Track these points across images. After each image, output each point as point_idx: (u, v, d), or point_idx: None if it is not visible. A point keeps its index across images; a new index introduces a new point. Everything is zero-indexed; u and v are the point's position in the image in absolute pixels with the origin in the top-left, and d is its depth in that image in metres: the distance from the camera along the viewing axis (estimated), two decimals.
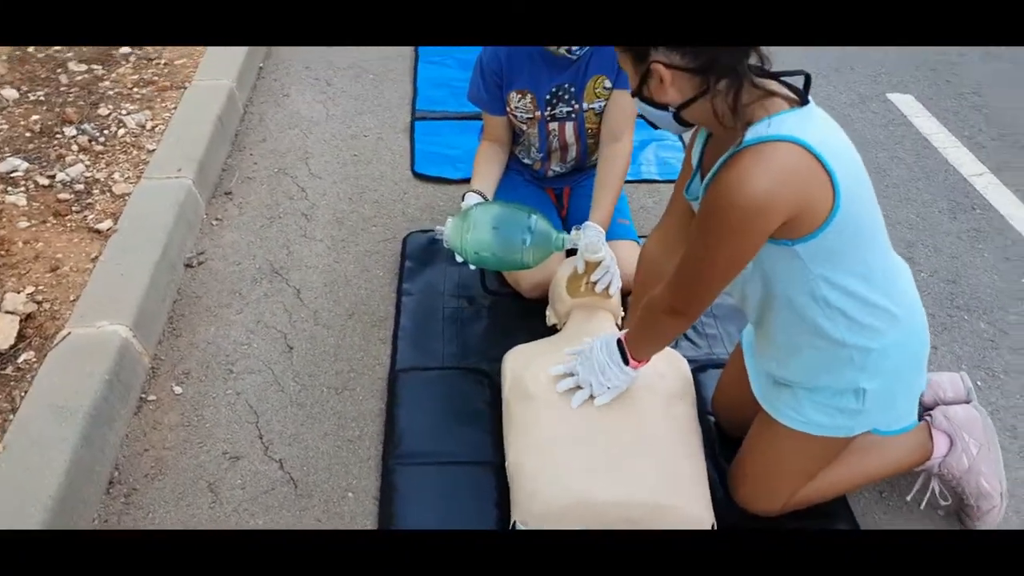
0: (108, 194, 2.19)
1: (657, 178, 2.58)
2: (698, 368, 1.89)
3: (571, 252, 1.91)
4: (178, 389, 1.85)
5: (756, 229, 1.14)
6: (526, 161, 2.10)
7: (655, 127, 1.29)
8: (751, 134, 1.12)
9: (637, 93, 1.22)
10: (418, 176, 2.55)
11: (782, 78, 1.19)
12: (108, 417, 1.67)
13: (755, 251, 1.18)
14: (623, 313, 1.89)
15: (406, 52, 3.23)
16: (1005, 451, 1.75)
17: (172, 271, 2.08)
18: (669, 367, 1.69)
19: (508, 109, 1.95)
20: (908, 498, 1.64)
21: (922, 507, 1.63)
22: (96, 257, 1.99)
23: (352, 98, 2.93)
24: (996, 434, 1.57)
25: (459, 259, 1.85)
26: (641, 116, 1.29)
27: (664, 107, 1.20)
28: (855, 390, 1.34)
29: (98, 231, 2.06)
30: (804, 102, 1.15)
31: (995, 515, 1.54)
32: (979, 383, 1.93)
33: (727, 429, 1.76)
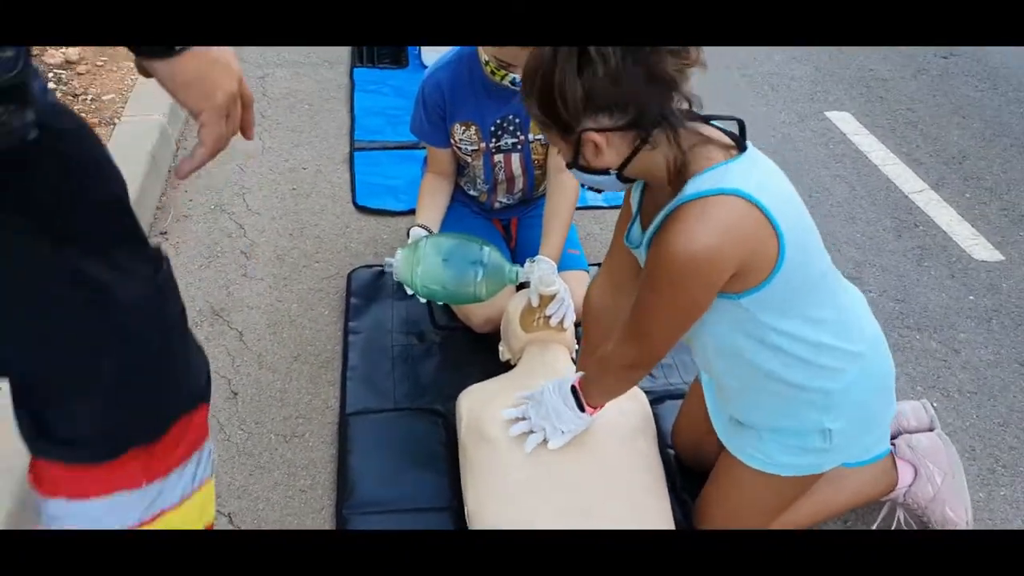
0: None
1: (602, 204, 2.56)
2: (656, 400, 1.86)
3: (521, 285, 1.87)
4: None
5: (703, 284, 1.12)
6: (472, 193, 2.06)
7: (599, 191, 1.26)
8: (693, 187, 1.10)
9: (573, 165, 1.18)
10: (360, 209, 2.48)
11: (714, 122, 1.18)
12: None
13: (705, 305, 1.16)
14: (577, 346, 1.85)
15: (342, 81, 3.16)
16: (965, 474, 1.76)
17: None
18: (629, 402, 1.65)
19: (452, 141, 1.90)
20: (873, 527, 1.63)
21: None
22: None
23: (288, 130, 2.85)
24: (960, 462, 1.56)
25: (408, 292, 1.79)
26: (583, 185, 1.26)
27: (604, 171, 1.17)
28: (821, 430, 1.31)
29: None
30: (742, 148, 1.14)
31: None
32: (935, 404, 1.94)
33: (688, 463, 1.72)
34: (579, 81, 1.05)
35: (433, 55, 3.17)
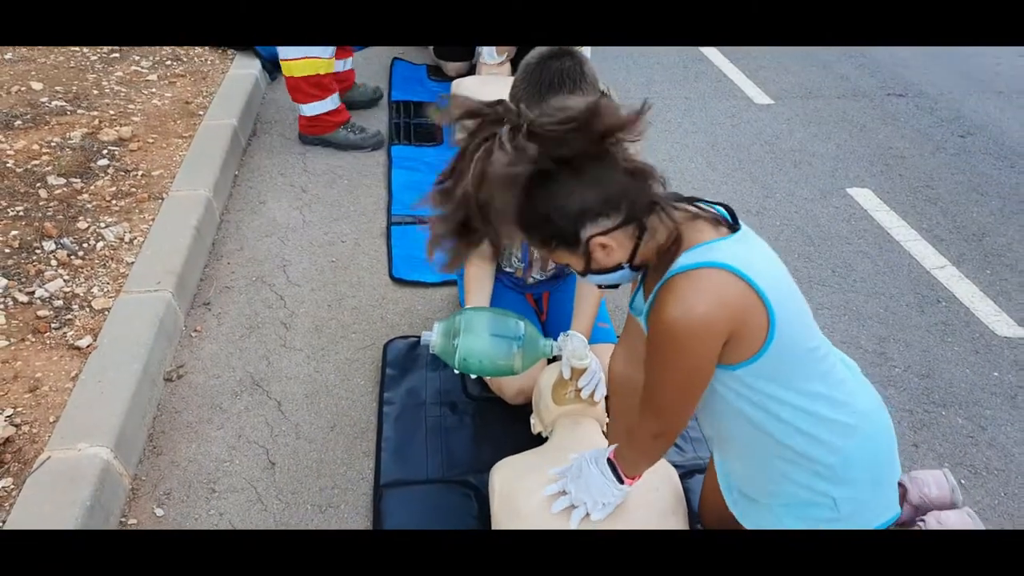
0: (87, 309, 2.17)
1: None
2: (685, 474, 1.90)
3: (552, 358, 1.94)
4: (159, 511, 1.80)
5: (699, 348, 1.18)
6: (508, 269, 2.14)
7: (617, 287, 1.35)
8: (684, 260, 1.18)
9: (587, 272, 1.26)
10: (396, 281, 2.57)
11: (703, 206, 1.26)
12: None
13: (709, 370, 1.23)
14: (608, 419, 1.90)
15: (379, 157, 3.30)
16: None
17: (152, 386, 2.05)
18: (661, 481, 1.69)
19: None
20: None
21: None
22: (76, 375, 1.96)
23: (328, 204, 2.97)
24: None
25: (444, 365, 1.86)
26: (601, 286, 1.34)
27: (617, 268, 1.25)
28: (828, 500, 1.35)
29: (77, 348, 2.03)
30: (735, 228, 1.21)
31: None
32: (962, 481, 1.96)
33: None
34: (574, 196, 1.13)
35: None
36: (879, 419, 1.39)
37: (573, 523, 1.52)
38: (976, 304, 2.61)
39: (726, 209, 1.26)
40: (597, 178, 1.13)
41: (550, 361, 1.97)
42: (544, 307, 2.24)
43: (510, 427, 2.02)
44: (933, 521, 1.59)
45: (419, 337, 2.30)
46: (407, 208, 2.92)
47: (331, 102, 3.17)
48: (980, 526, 1.58)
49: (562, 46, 1.71)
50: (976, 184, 3.36)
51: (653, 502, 1.61)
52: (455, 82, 3.61)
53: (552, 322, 2.17)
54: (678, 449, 2.01)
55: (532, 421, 1.94)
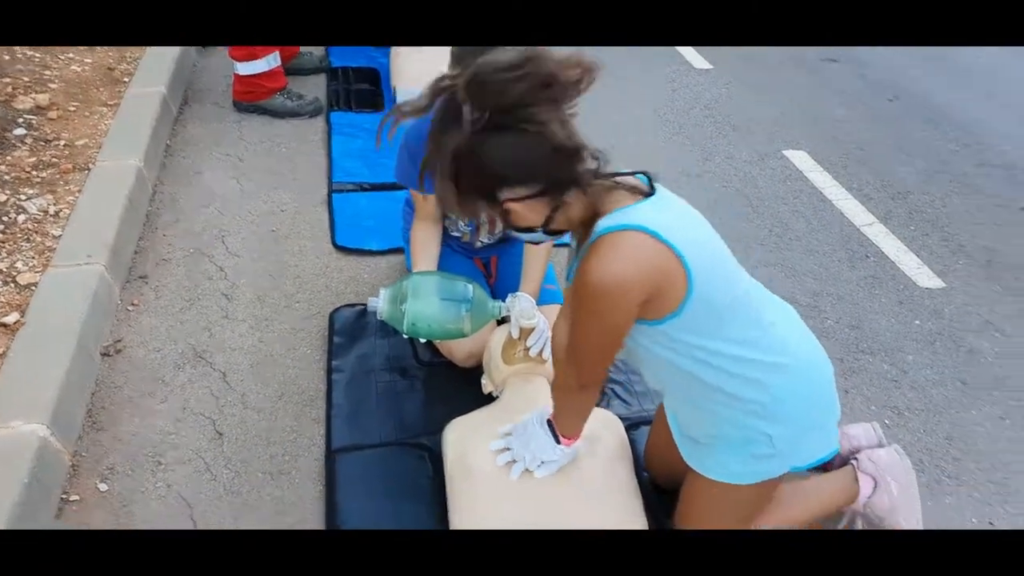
0: (12, 285, 2.09)
1: (569, 241, 2.66)
2: (631, 426, 1.94)
3: (500, 321, 1.95)
4: (103, 486, 1.76)
5: (617, 307, 1.24)
6: (455, 233, 2.13)
7: (537, 243, 1.41)
8: (602, 224, 1.24)
9: (506, 227, 1.31)
10: (339, 249, 2.54)
11: (625, 175, 1.31)
12: (29, 522, 1.57)
13: (624, 328, 1.29)
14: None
15: (318, 124, 3.24)
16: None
17: (89, 362, 1.99)
18: (606, 430, 1.74)
19: None
20: None
21: None
22: (3, 353, 1.88)
23: (266, 173, 2.90)
24: (914, 476, 1.67)
25: (393, 330, 1.86)
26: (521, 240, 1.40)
27: (532, 229, 1.30)
28: (763, 436, 1.41)
29: (3, 325, 1.96)
30: (651, 192, 1.27)
31: None
32: (887, 422, 2.06)
33: (661, 484, 1.80)
34: (494, 163, 1.17)
35: (405, 97, 3.27)
36: (812, 359, 1.46)
37: (513, 476, 1.57)
38: (901, 258, 2.73)
39: (645, 175, 1.31)
40: (526, 147, 1.17)
41: (500, 323, 1.98)
42: (493, 271, 2.25)
43: (462, 389, 2.03)
44: (865, 459, 1.67)
45: (366, 305, 2.29)
46: (348, 175, 2.88)
47: (266, 63, 3.09)
48: (907, 461, 1.67)
49: None
50: (903, 145, 3.49)
51: (599, 452, 1.66)
52: (394, 49, 3.55)
53: (501, 285, 2.18)
54: (624, 403, 2.05)
55: (483, 382, 1.95)
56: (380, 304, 1.82)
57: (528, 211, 1.25)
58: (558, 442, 1.55)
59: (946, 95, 3.99)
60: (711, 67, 4.09)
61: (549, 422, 1.56)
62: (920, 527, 1.63)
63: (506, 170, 1.19)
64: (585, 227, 1.30)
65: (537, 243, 1.41)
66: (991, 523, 1.82)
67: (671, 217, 1.26)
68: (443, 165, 1.21)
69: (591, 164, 1.25)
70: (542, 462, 1.56)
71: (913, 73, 4.22)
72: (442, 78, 1.22)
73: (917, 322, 2.44)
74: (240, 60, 3.06)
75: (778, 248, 2.73)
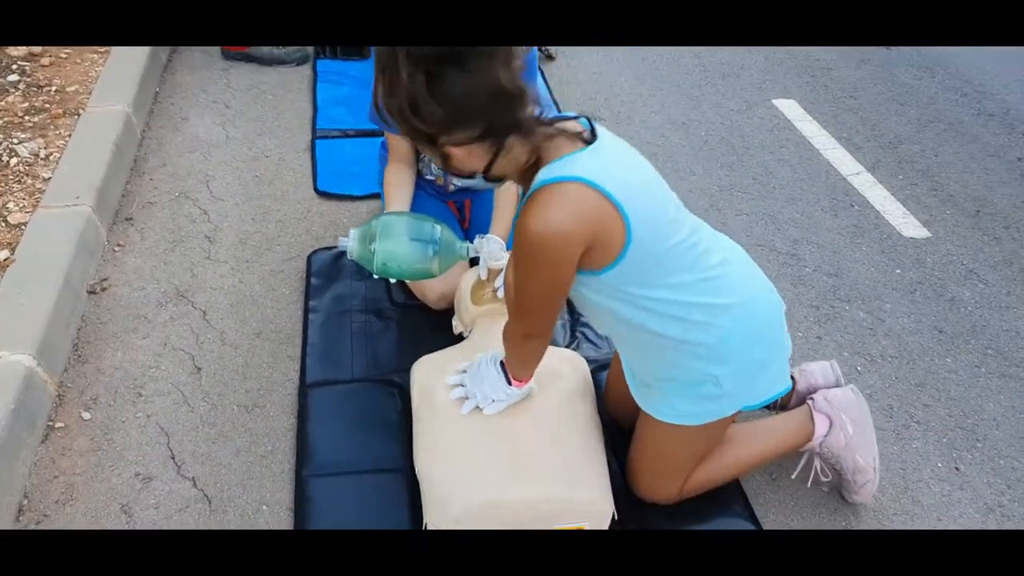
0: (2, 224, 2.14)
1: None
2: (598, 368, 1.98)
3: (474, 263, 1.98)
4: (86, 415, 1.83)
5: (557, 261, 1.25)
6: (428, 177, 2.16)
7: (479, 189, 1.38)
8: (541, 176, 1.24)
9: (446, 171, 1.31)
10: (321, 194, 2.58)
11: (568, 120, 1.30)
12: (14, 446, 1.65)
13: (566, 278, 1.30)
14: None
15: (304, 72, 3.25)
16: (883, 429, 1.91)
17: (75, 299, 2.05)
18: (569, 367, 1.77)
19: None
20: (793, 476, 1.76)
21: (808, 484, 1.76)
22: None
23: (252, 120, 2.93)
24: (869, 414, 1.70)
25: (370, 273, 1.89)
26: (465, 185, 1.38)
27: (473, 174, 1.29)
28: (710, 378, 1.44)
29: None
30: (592, 139, 1.26)
31: (869, 488, 1.67)
32: (859, 368, 2.08)
33: (620, 424, 1.84)
34: (432, 104, 1.15)
35: None
36: (758, 297, 1.47)
37: (464, 410, 1.61)
38: (886, 207, 2.72)
39: (587, 119, 1.30)
40: (466, 90, 1.15)
41: (472, 265, 2.01)
42: (466, 214, 2.27)
43: (434, 331, 2.08)
44: (821, 399, 1.70)
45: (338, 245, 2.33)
46: (332, 122, 2.90)
47: None
48: (863, 401, 1.70)
49: None
50: (896, 94, 3.45)
51: (560, 388, 1.69)
52: None
53: (474, 228, 2.21)
54: (593, 345, 2.09)
55: (454, 323, 1.99)
56: (350, 244, 1.85)
57: (468, 156, 1.24)
58: (509, 383, 1.59)
59: None
60: None
61: (502, 363, 1.60)
62: (876, 465, 1.66)
63: (446, 113, 1.17)
64: (527, 175, 1.30)
65: (480, 189, 1.40)
66: (957, 468, 1.85)
67: (610, 165, 1.25)
68: (390, 105, 1.20)
69: (533, 109, 1.23)
70: (492, 400, 1.60)
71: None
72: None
73: (898, 271, 2.45)
74: None
75: (760, 196, 2.73)
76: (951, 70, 3.67)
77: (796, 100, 3.34)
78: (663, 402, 1.51)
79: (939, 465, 1.85)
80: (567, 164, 1.23)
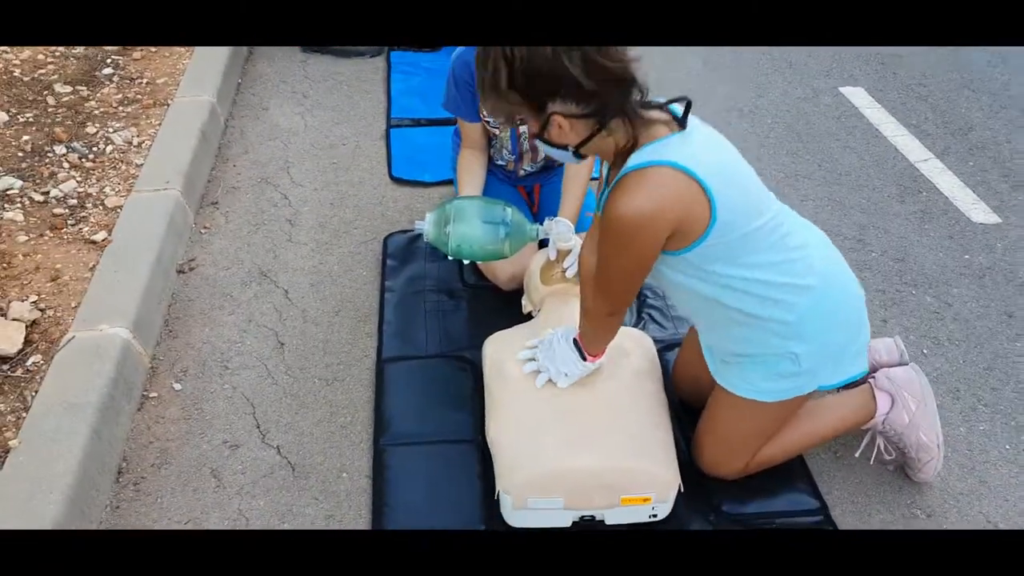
0: (101, 208, 2.30)
1: None
2: (665, 348, 2.03)
3: (543, 245, 2.05)
4: (177, 386, 1.96)
5: (644, 242, 1.31)
6: (499, 162, 2.23)
7: (560, 163, 1.44)
8: (633, 160, 1.29)
9: (539, 136, 1.37)
10: (395, 180, 2.68)
11: (667, 105, 1.35)
12: (114, 412, 1.78)
13: (651, 259, 1.36)
14: None
15: (378, 63, 3.36)
16: (949, 411, 1.91)
17: (166, 277, 2.19)
18: (636, 346, 1.83)
19: (482, 116, 2.08)
20: (857, 455, 1.79)
21: (871, 462, 1.78)
22: (93, 266, 2.09)
23: (329, 109, 3.05)
24: (932, 392, 1.71)
25: (439, 253, 1.97)
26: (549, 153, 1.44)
27: (564, 147, 1.36)
28: (789, 355, 1.48)
29: (94, 242, 2.17)
30: (683, 127, 1.31)
31: (933, 465, 1.69)
32: (925, 351, 2.09)
33: (688, 401, 1.89)
34: (556, 72, 1.23)
35: None
36: (839, 281, 1.51)
37: (538, 384, 1.67)
38: (956, 194, 2.70)
39: (684, 103, 1.34)
40: (586, 71, 1.23)
41: (541, 247, 2.08)
42: (536, 199, 2.34)
43: (503, 310, 2.15)
44: (882, 377, 1.72)
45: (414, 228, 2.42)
46: (405, 112, 3.00)
47: None
48: (924, 378, 1.71)
49: None
50: (968, 81, 3.39)
51: (627, 365, 1.75)
52: None
53: (543, 212, 2.28)
54: (659, 326, 2.14)
55: (523, 302, 2.07)
56: (426, 227, 1.94)
57: (570, 129, 1.31)
58: (584, 358, 1.65)
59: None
60: None
61: (575, 340, 1.66)
62: (940, 443, 1.68)
63: (564, 85, 1.24)
64: (619, 157, 1.36)
65: (560, 163, 1.47)
66: None
67: (699, 150, 1.31)
68: (504, 65, 1.26)
69: (637, 96, 1.30)
70: (565, 374, 1.66)
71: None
72: None
73: (967, 256, 2.43)
74: None
75: (826, 183, 2.73)
76: None
77: (864, 88, 3.31)
78: (742, 378, 1.55)
79: (1007, 447, 1.85)
80: (660, 148, 1.29)
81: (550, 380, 1.67)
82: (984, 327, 2.17)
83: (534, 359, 1.73)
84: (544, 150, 1.42)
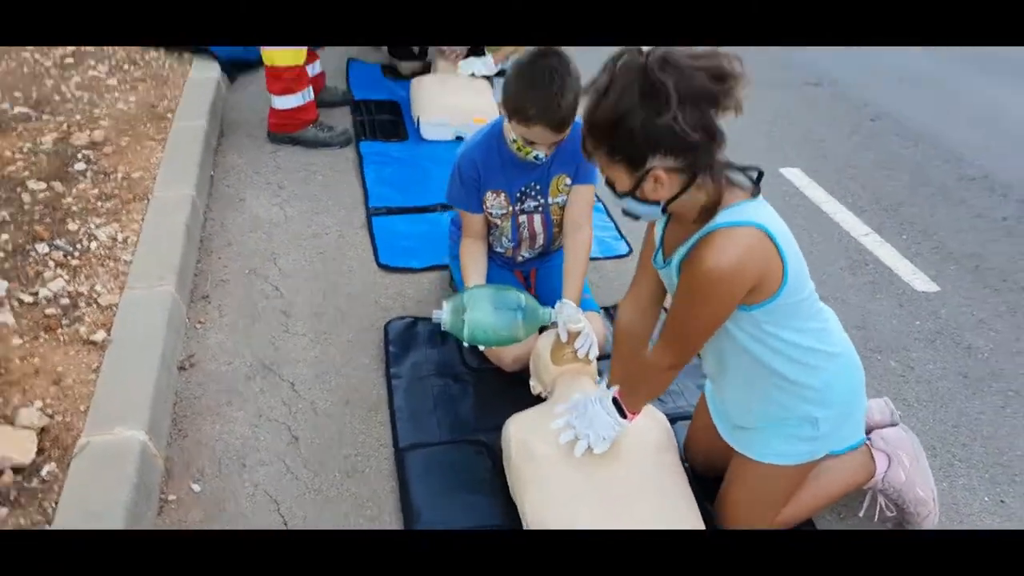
0: (95, 306, 2.27)
1: (598, 255, 2.88)
2: (669, 421, 2.15)
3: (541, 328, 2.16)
4: (196, 487, 1.93)
5: (729, 294, 1.42)
6: (498, 249, 2.35)
7: (636, 218, 1.52)
8: (721, 218, 1.40)
9: (630, 194, 1.44)
10: (384, 267, 2.75)
11: (745, 170, 1.48)
12: (137, 519, 1.74)
13: (729, 312, 1.47)
14: (599, 377, 2.13)
15: (348, 154, 3.45)
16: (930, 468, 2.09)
17: (169, 375, 2.17)
18: (653, 421, 1.94)
19: (484, 207, 2.20)
20: (861, 514, 1.94)
21: (875, 520, 1.93)
22: (97, 367, 2.06)
23: (306, 199, 3.11)
24: (922, 449, 1.89)
25: (443, 340, 2.04)
26: (625, 212, 1.52)
27: (655, 203, 1.44)
28: (810, 420, 1.63)
29: (93, 342, 2.13)
30: (757, 192, 1.46)
31: (931, 520, 1.85)
32: (899, 413, 2.28)
33: (701, 472, 2.00)
34: (656, 127, 1.29)
35: (430, 129, 3.50)
36: (853, 351, 1.68)
37: (577, 452, 1.74)
38: (897, 265, 2.97)
39: (757, 173, 1.47)
40: (687, 122, 1.28)
41: (541, 330, 2.19)
42: (532, 281, 2.46)
43: (509, 391, 2.23)
44: (877, 437, 1.90)
45: (415, 317, 2.49)
46: (383, 200, 3.09)
47: (301, 97, 3.31)
48: (914, 437, 1.90)
49: (545, 48, 1.93)
50: (887, 161, 3.76)
51: (648, 440, 1.86)
52: (415, 81, 3.79)
53: (540, 294, 2.40)
54: (660, 401, 2.26)
55: (532, 383, 2.15)
56: (443, 316, 2.02)
57: (668, 182, 1.37)
58: (623, 416, 1.71)
59: (921, 116, 4.28)
60: None
61: (615, 399, 1.72)
62: (935, 496, 1.84)
63: (667, 138, 1.30)
64: (702, 215, 1.41)
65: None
66: (1003, 501, 2.03)
67: (772, 216, 1.44)
68: (607, 122, 1.33)
69: (722, 156, 1.40)
70: (603, 438, 1.73)
71: (889, 96, 4.50)
72: (619, 55, 1.34)
73: (917, 323, 2.68)
74: (277, 95, 3.27)
75: None
76: (931, 140, 4.00)
77: (800, 168, 3.62)
78: (762, 443, 1.68)
79: (986, 499, 2.04)
80: (743, 210, 1.40)
81: (589, 447, 1.74)
82: (945, 387, 2.40)
83: (570, 426, 1.79)
84: (628, 207, 1.47)
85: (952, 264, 3.01)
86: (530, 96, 1.88)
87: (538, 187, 2.18)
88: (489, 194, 2.17)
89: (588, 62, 3.60)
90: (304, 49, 3.23)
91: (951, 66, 4.98)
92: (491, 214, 2.22)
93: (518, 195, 2.18)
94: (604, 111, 1.35)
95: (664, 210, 1.45)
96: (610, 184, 1.47)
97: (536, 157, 2.05)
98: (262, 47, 3.21)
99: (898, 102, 4.43)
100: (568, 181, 2.19)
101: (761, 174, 1.48)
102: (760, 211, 1.42)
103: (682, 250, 1.48)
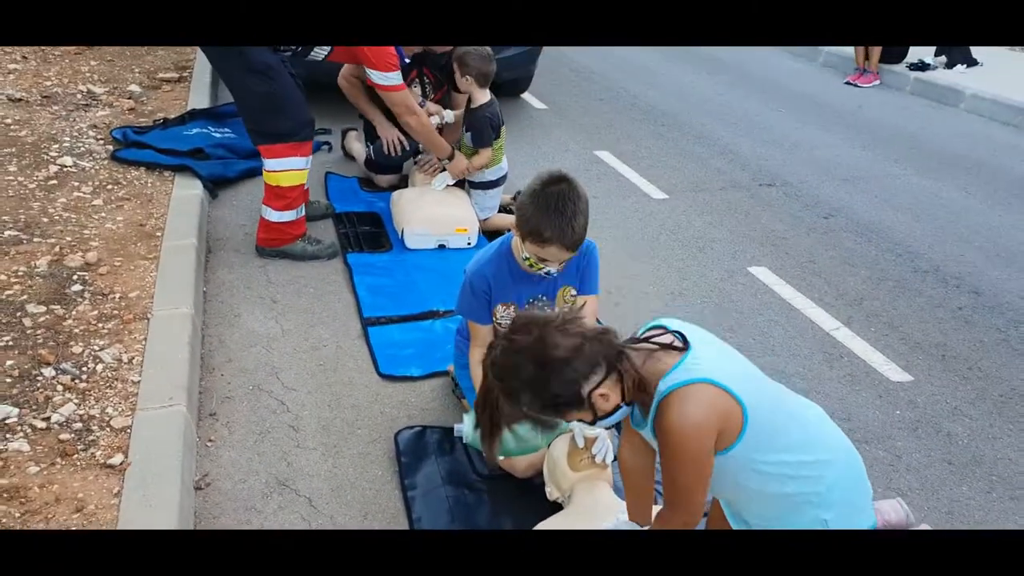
0: (108, 429, 2.27)
1: None
2: None
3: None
4: None
5: (700, 448, 1.53)
6: None
7: (618, 423, 1.68)
8: (664, 384, 1.53)
9: (595, 421, 1.60)
10: (385, 377, 2.80)
11: (650, 339, 1.62)
12: None
13: (710, 461, 1.56)
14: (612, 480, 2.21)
15: (336, 265, 3.54)
16: None
17: (189, 495, 2.17)
18: None
19: (494, 319, 2.31)
20: None
21: None
22: (118, 492, 2.05)
23: (301, 312, 3.17)
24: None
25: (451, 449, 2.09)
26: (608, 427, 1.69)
27: (616, 408, 1.59)
28: (819, 522, 1.71)
29: (111, 466, 2.13)
30: (685, 346, 1.58)
31: None
32: (913, 516, 2.39)
33: None
34: (568, 368, 1.49)
35: (414, 239, 3.63)
36: (847, 446, 1.78)
37: None
38: (870, 357, 3.15)
39: (679, 333, 1.61)
40: (581, 352, 1.51)
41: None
42: None
43: (522, 498, 2.29)
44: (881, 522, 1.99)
45: (423, 426, 2.55)
46: (376, 310, 3.17)
47: (295, 213, 3.41)
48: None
49: (555, 173, 2.08)
50: (846, 257, 4.01)
51: None
52: (395, 194, 3.95)
53: None
54: None
55: (548, 489, 2.22)
56: (465, 429, 2.09)
57: (610, 391, 1.54)
58: None
59: (868, 211, 4.59)
60: (667, 196, 4.59)
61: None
62: None
63: (581, 368, 1.50)
64: (640, 391, 1.57)
65: (618, 422, 1.69)
66: None
67: (714, 362, 1.55)
68: (529, 403, 1.53)
69: (618, 339, 1.57)
70: None
71: (837, 193, 4.82)
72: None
73: (898, 412, 2.84)
74: (275, 209, 3.36)
75: (763, 354, 3.12)
76: (883, 235, 4.29)
77: (767, 267, 3.84)
78: None
79: None
80: (685, 370, 1.52)
81: None
82: (933, 475, 2.53)
83: None
84: (607, 426, 1.65)
85: (920, 354, 3.21)
86: (545, 220, 2.02)
87: (544, 298, 2.30)
88: (500, 307, 2.28)
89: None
90: (308, 168, 3.35)
91: (886, 163, 5.36)
92: (501, 324, 2.32)
93: (526, 306, 2.29)
94: (523, 385, 1.53)
95: (626, 404, 1.62)
96: (580, 421, 1.65)
97: (547, 273, 2.18)
98: (269, 169, 3.30)
99: (846, 199, 4.74)
100: (573, 292, 2.32)
101: (683, 335, 1.61)
102: (699, 363, 1.54)
103: (650, 417, 1.61)
